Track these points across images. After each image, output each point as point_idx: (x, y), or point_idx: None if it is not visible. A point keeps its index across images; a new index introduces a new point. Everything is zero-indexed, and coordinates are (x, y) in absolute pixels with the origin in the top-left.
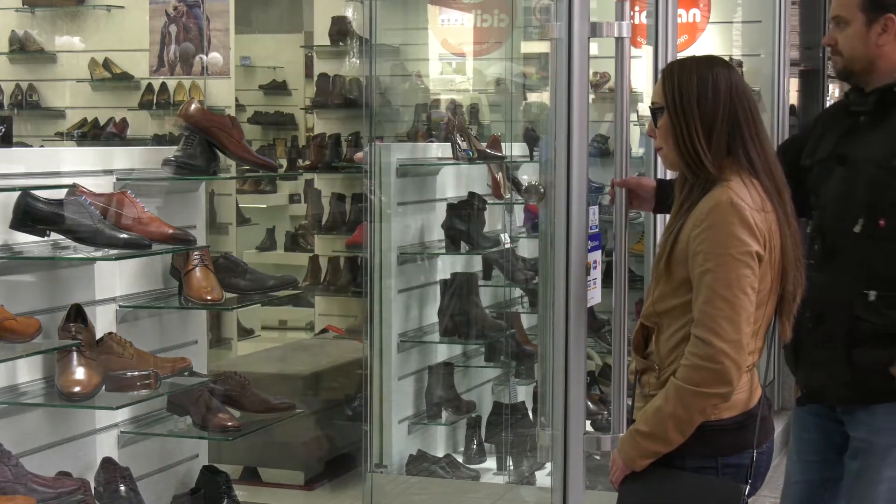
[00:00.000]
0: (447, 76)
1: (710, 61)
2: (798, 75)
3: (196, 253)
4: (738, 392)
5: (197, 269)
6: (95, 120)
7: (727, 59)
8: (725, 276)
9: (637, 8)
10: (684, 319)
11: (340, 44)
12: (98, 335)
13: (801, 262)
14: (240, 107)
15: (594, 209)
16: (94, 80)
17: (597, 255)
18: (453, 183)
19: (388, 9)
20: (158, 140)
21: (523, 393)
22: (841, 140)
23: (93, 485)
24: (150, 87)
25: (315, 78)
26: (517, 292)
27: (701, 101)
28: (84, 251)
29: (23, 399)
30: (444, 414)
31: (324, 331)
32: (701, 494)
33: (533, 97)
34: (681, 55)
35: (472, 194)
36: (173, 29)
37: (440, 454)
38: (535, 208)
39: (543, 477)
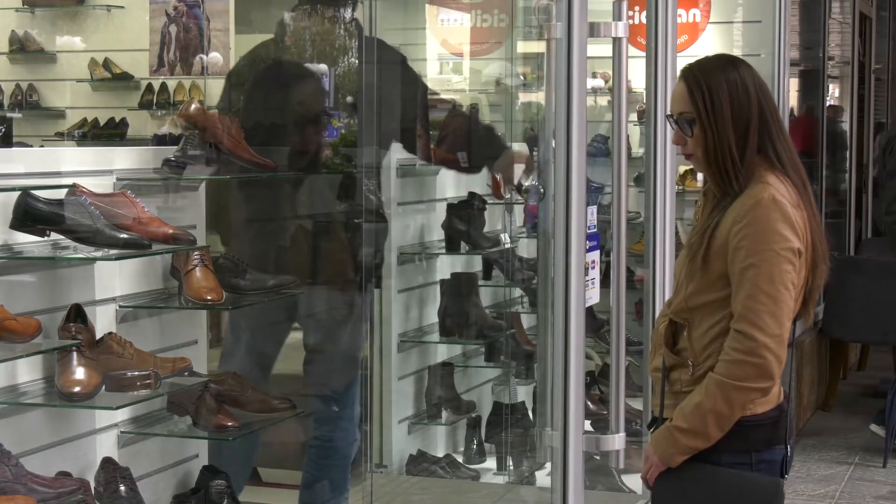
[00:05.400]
0: (447, 76)
1: (733, 62)
2: (798, 75)
3: (196, 253)
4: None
5: (197, 269)
6: (95, 120)
7: None
8: (768, 271)
9: (637, 8)
10: (720, 315)
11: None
12: (98, 335)
13: (827, 255)
14: None
15: (593, 209)
16: (94, 80)
17: (595, 255)
18: (453, 183)
19: (388, 9)
20: (158, 140)
21: (523, 393)
22: None
23: (93, 485)
24: (150, 87)
25: None
26: (517, 292)
27: (734, 106)
28: (84, 251)
29: (23, 399)
30: (444, 414)
31: None
32: (740, 489)
33: (530, 97)
34: (680, 55)
35: (472, 194)
36: (173, 29)
37: (440, 454)
38: (536, 208)
39: (543, 477)
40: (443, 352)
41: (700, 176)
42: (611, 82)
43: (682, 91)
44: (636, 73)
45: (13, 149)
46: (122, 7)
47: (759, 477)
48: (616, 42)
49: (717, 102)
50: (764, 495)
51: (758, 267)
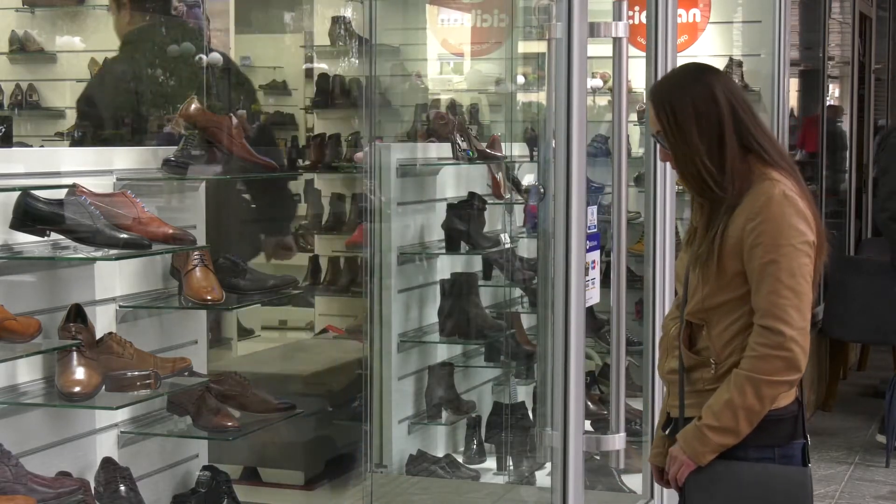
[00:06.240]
0: (447, 76)
1: (698, 72)
2: (798, 75)
3: (196, 253)
4: None
5: (197, 269)
6: None
7: (727, 59)
8: (788, 265)
9: (637, 8)
10: (738, 312)
11: (340, 44)
12: (98, 335)
13: (825, 234)
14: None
15: (593, 209)
16: None
17: (595, 255)
18: (453, 183)
19: (388, 9)
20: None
21: (523, 393)
22: None
23: (93, 485)
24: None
25: (315, 78)
26: (517, 292)
27: (700, 119)
28: (84, 251)
29: (23, 399)
30: (444, 414)
31: (324, 331)
32: (772, 482)
33: (530, 97)
34: (680, 55)
35: (472, 194)
36: None
37: (440, 454)
38: (536, 208)
39: (543, 477)
40: (443, 352)
41: None
42: (611, 82)
43: (651, 112)
44: (636, 73)
45: (13, 149)
46: None
47: (787, 468)
48: (616, 42)
49: (682, 119)
50: (796, 485)
51: (778, 262)
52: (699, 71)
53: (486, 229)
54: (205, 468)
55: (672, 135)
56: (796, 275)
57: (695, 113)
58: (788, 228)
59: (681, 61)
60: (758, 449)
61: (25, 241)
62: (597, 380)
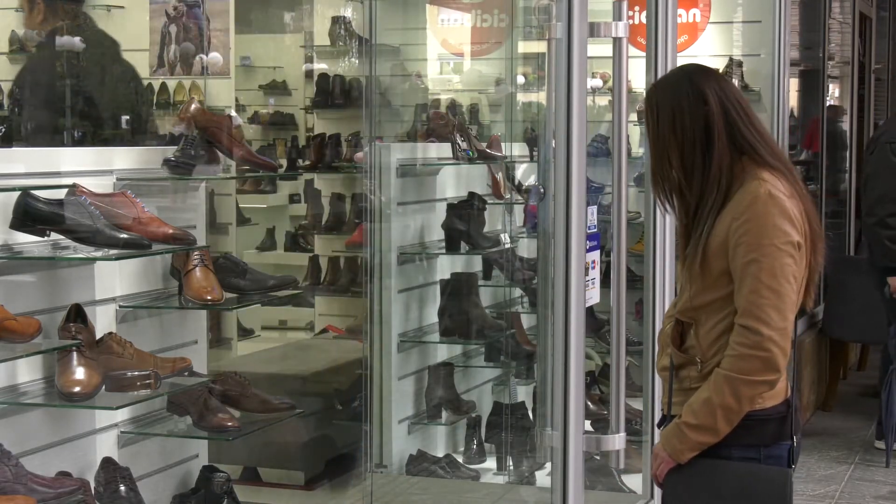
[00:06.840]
0: (447, 76)
1: (689, 75)
2: (798, 75)
3: (196, 253)
4: (780, 380)
5: (197, 269)
6: None
7: (727, 59)
8: (770, 265)
9: (637, 8)
10: (724, 312)
11: (340, 44)
12: (98, 335)
13: (822, 233)
14: (240, 107)
15: (593, 209)
16: None
17: (595, 255)
18: (453, 183)
19: (388, 9)
20: (158, 140)
21: (523, 393)
22: None
23: (93, 485)
24: (150, 86)
25: (315, 78)
26: (517, 292)
27: (684, 121)
28: (84, 251)
29: (23, 399)
30: (444, 414)
31: (324, 331)
32: (750, 481)
33: (530, 97)
34: (680, 55)
35: (472, 194)
36: (173, 29)
37: (440, 454)
38: (536, 208)
39: (543, 477)
40: (443, 352)
41: None
42: (611, 82)
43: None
44: (636, 73)
45: (13, 149)
46: (122, 7)
47: (768, 468)
48: (616, 42)
49: (663, 118)
50: (774, 485)
51: (759, 262)
52: (692, 72)
53: (486, 229)
54: (205, 468)
55: (652, 132)
56: (777, 275)
57: (678, 113)
58: (772, 228)
59: (681, 61)
60: (742, 448)
61: (25, 241)
62: (597, 380)
